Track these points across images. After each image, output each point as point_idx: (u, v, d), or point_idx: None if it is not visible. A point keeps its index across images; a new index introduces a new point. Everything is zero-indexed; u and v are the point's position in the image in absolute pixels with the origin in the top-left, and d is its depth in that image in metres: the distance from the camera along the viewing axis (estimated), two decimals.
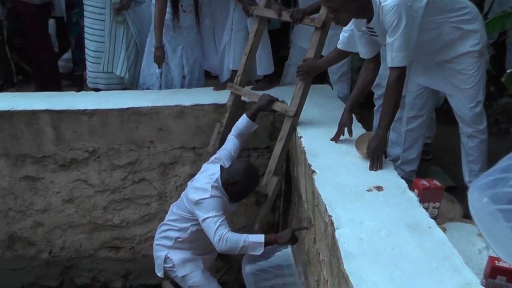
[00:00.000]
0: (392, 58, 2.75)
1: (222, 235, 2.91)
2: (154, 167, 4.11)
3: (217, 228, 2.93)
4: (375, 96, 4.13)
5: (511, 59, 5.31)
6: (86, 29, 4.67)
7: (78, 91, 4.51)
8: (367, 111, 4.33)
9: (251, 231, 3.32)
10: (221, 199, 3.08)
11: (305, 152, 3.03)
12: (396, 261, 1.95)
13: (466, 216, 3.13)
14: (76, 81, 5.64)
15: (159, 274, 3.37)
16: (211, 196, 3.03)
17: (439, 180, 2.98)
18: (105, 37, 4.54)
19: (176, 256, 3.28)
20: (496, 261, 2.19)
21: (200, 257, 3.33)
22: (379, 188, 2.53)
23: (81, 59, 5.03)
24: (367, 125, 3.58)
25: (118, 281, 4.57)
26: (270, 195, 3.34)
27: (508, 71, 3.51)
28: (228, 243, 2.90)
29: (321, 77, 4.51)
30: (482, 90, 3.17)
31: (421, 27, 2.82)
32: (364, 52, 3.10)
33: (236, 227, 4.07)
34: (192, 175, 3.52)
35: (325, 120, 3.48)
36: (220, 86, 4.29)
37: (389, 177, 2.68)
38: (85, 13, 4.64)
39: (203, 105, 3.93)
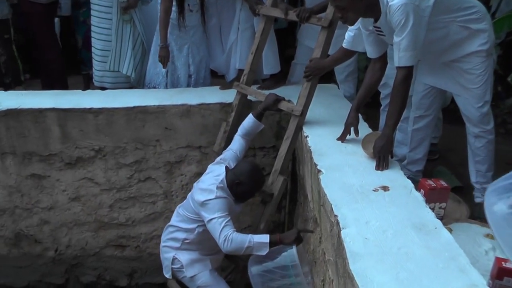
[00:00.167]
0: (399, 57, 2.74)
1: (227, 236, 2.91)
2: (160, 166, 4.11)
3: (222, 229, 2.93)
4: (381, 96, 4.12)
5: None
6: (93, 28, 4.68)
7: (84, 89, 4.52)
8: (373, 110, 4.32)
9: (256, 230, 3.32)
10: (227, 200, 3.08)
11: (311, 152, 3.02)
12: (402, 261, 1.94)
13: (473, 216, 3.13)
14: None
15: (167, 275, 3.37)
16: (216, 197, 3.03)
17: (446, 180, 2.97)
18: (112, 36, 4.56)
19: (184, 256, 3.28)
20: (503, 262, 2.18)
21: (208, 258, 3.33)
22: (385, 188, 2.53)
23: (88, 58, 5.04)
24: (374, 125, 3.57)
25: (123, 279, 4.58)
26: (276, 194, 3.34)
27: None
28: (233, 243, 2.90)
29: (328, 77, 4.50)
30: (489, 90, 3.16)
31: (428, 27, 2.80)
32: (371, 52, 3.09)
33: (242, 227, 4.08)
34: (198, 174, 3.52)
35: (331, 120, 3.47)
36: (226, 85, 4.29)
37: (395, 177, 2.67)
38: (92, 12, 4.66)
39: (209, 104, 3.93)
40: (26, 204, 4.20)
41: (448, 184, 2.92)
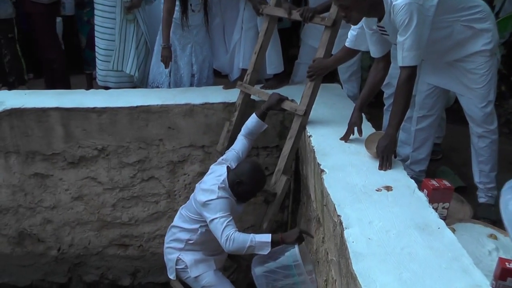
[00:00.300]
0: (403, 57, 2.73)
1: (229, 235, 2.91)
2: (163, 165, 4.11)
3: (224, 229, 2.94)
4: (385, 96, 4.11)
5: None
6: (96, 28, 4.69)
7: (87, 89, 4.53)
8: (376, 110, 4.31)
9: (259, 230, 3.32)
10: (228, 200, 3.08)
11: (314, 151, 3.02)
12: (405, 261, 1.94)
13: (476, 216, 3.12)
14: None
15: (171, 276, 3.37)
16: (218, 197, 3.03)
17: (449, 180, 2.96)
18: (115, 36, 4.56)
19: (188, 257, 3.29)
20: (506, 263, 2.17)
21: (212, 258, 3.34)
22: (388, 188, 2.52)
23: (91, 57, 5.05)
24: (377, 125, 3.57)
25: (126, 278, 4.59)
26: (279, 194, 3.34)
27: None
28: (235, 243, 2.90)
29: (331, 76, 4.50)
30: (493, 89, 3.15)
31: (432, 26, 2.80)
32: (374, 51, 3.08)
33: (245, 226, 4.08)
34: (201, 174, 3.52)
35: (334, 119, 3.47)
36: (229, 85, 4.29)
37: (399, 177, 2.67)
38: (96, 12, 4.66)
39: (212, 103, 3.94)
40: (29, 203, 4.21)
41: (451, 184, 2.91)
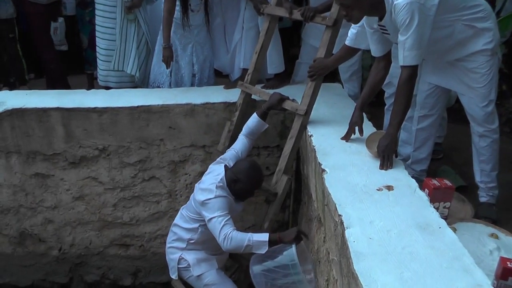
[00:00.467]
0: (404, 56, 2.73)
1: (227, 234, 2.92)
2: (164, 165, 4.11)
3: (222, 228, 2.95)
4: (386, 95, 4.11)
5: None
6: (97, 28, 4.69)
7: (88, 89, 4.53)
8: (378, 109, 4.31)
9: (260, 229, 3.32)
10: (226, 199, 3.09)
11: (315, 151, 3.02)
12: (406, 261, 1.93)
13: (477, 216, 3.12)
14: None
15: (173, 276, 3.37)
16: (216, 196, 3.04)
17: (450, 179, 2.96)
18: (116, 36, 4.56)
19: (190, 256, 3.29)
20: (507, 262, 2.17)
21: (214, 257, 3.34)
22: (389, 188, 2.52)
23: (93, 57, 5.05)
24: (378, 124, 3.57)
25: (127, 278, 4.58)
26: (280, 193, 3.34)
27: None
28: (233, 242, 2.91)
29: (332, 76, 4.50)
30: (494, 89, 3.14)
31: (433, 25, 2.79)
32: (375, 50, 3.08)
33: (246, 226, 4.08)
34: (202, 173, 3.52)
35: (335, 119, 3.47)
36: (230, 85, 4.29)
37: (400, 176, 2.66)
38: (97, 12, 4.67)
39: (213, 103, 3.93)
40: (31, 203, 4.21)
41: (453, 183, 2.91)
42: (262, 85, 4.23)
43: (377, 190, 2.51)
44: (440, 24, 2.90)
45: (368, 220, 2.23)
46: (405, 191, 2.50)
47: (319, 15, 3.49)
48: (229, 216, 3.02)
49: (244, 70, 4.19)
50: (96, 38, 4.75)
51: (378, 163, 2.76)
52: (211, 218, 3.01)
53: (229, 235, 2.92)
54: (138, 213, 4.29)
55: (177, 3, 4.18)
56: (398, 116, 2.83)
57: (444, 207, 2.82)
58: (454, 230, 2.47)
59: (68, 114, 3.88)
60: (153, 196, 4.24)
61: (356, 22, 2.90)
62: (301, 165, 3.72)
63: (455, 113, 4.33)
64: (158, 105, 3.90)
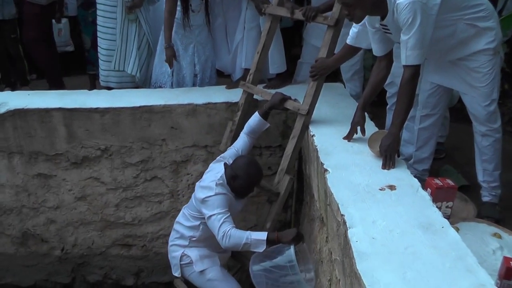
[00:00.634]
0: (406, 56, 2.73)
1: (225, 232, 2.93)
2: (166, 165, 4.11)
3: (221, 225, 2.96)
4: (388, 95, 4.11)
5: None
6: (98, 28, 4.69)
7: (90, 89, 4.53)
8: (379, 109, 4.31)
9: (263, 229, 3.32)
10: (226, 196, 3.09)
11: (317, 151, 3.02)
12: (409, 261, 1.93)
13: (480, 215, 3.12)
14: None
15: (176, 274, 3.38)
16: (216, 194, 3.05)
17: (452, 179, 2.96)
18: (117, 36, 4.56)
19: (193, 252, 3.30)
20: (511, 262, 2.16)
21: (216, 254, 3.35)
22: (391, 187, 2.52)
23: (96, 58, 5.06)
24: (380, 124, 3.56)
25: (130, 278, 4.59)
26: (282, 193, 3.34)
27: None
28: (232, 239, 2.92)
29: (334, 75, 4.49)
30: (496, 88, 3.14)
31: (435, 25, 2.79)
32: (376, 49, 3.08)
33: (248, 226, 4.08)
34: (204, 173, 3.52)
35: (337, 119, 3.47)
36: (232, 85, 4.29)
37: (402, 176, 2.66)
38: (98, 12, 4.67)
39: (215, 103, 3.93)
40: (33, 203, 4.21)
41: (455, 183, 2.91)
42: (264, 85, 4.22)
43: (380, 189, 2.50)
44: (442, 23, 2.89)
45: (371, 220, 2.23)
46: (408, 191, 2.50)
47: (320, 15, 3.48)
48: (229, 214, 3.02)
49: (246, 70, 4.19)
50: (98, 38, 4.75)
51: (380, 162, 2.76)
52: (210, 216, 3.02)
53: (228, 233, 2.93)
54: (140, 213, 4.29)
55: (178, 3, 4.18)
56: (401, 116, 2.82)
57: (447, 207, 2.82)
58: (457, 229, 2.48)
59: (70, 115, 3.88)
60: (155, 196, 4.24)
61: (358, 21, 2.89)
62: (303, 165, 3.71)
63: (457, 112, 4.33)
64: (160, 105, 3.90)
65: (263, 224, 3.38)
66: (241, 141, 3.46)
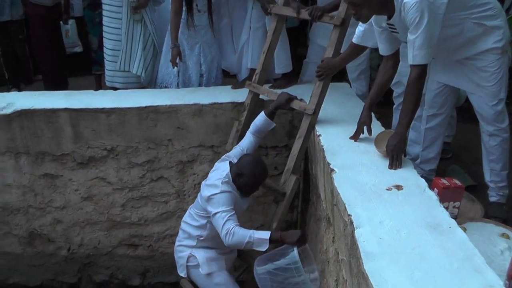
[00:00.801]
0: (413, 55, 2.71)
1: (229, 229, 2.93)
2: (172, 165, 4.12)
3: (225, 223, 2.96)
4: (394, 94, 4.10)
5: None
6: (104, 28, 4.71)
7: (96, 90, 4.54)
8: (386, 109, 4.30)
9: (269, 229, 3.31)
10: (231, 194, 3.09)
11: (324, 151, 3.01)
12: (416, 261, 1.92)
13: (487, 215, 3.10)
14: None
15: (182, 274, 3.38)
16: (221, 192, 3.05)
17: (459, 179, 2.94)
18: (122, 36, 4.56)
19: (200, 254, 3.30)
20: None
21: (223, 257, 3.34)
22: (398, 187, 2.51)
23: (103, 58, 5.08)
24: (386, 123, 3.55)
25: (136, 278, 4.60)
26: (289, 193, 3.33)
27: None
28: (235, 237, 2.92)
29: (340, 75, 4.49)
30: (504, 87, 3.13)
31: (442, 24, 2.78)
32: (383, 49, 3.07)
33: (254, 226, 4.07)
34: None
35: (344, 119, 3.46)
36: (238, 85, 4.29)
37: (409, 176, 2.65)
38: (104, 12, 4.68)
39: (221, 103, 3.93)
40: (40, 203, 4.22)
41: (462, 183, 2.89)
42: (270, 85, 4.23)
43: (387, 189, 2.49)
44: (450, 23, 2.88)
45: (378, 220, 2.22)
46: (415, 191, 2.49)
47: (326, 15, 3.47)
48: (233, 212, 3.02)
49: (252, 70, 4.19)
50: (103, 38, 4.76)
51: (387, 162, 2.75)
52: (215, 213, 3.02)
53: (231, 230, 2.93)
54: (147, 213, 4.30)
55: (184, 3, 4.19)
56: (407, 115, 2.81)
57: (454, 207, 2.81)
58: (464, 230, 2.46)
59: (76, 115, 3.89)
60: (161, 196, 4.24)
61: (365, 21, 2.87)
62: (309, 165, 3.71)
63: (464, 112, 4.31)
64: (166, 105, 3.90)
65: (269, 224, 3.38)
66: (247, 141, 3.45)
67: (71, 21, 5.88)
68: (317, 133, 3.29)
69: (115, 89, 4.67)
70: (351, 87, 4.38)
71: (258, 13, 4.16)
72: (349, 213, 2.30)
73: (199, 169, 4.12)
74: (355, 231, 2.16)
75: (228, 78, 4.92)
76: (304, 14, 3.57)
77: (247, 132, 3.50)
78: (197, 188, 4.13)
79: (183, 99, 3.99)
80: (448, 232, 2.13)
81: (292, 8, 3.66)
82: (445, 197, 2.73)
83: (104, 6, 4.66)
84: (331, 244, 2.83)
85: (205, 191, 3.14)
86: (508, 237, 2.61)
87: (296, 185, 3.38)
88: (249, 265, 3.59)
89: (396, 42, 3.02)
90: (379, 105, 3.48)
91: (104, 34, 4.73)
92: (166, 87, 4.51)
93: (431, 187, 2.63)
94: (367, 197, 2.43)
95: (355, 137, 3.10)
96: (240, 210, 3.20)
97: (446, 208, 2.46)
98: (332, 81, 3.50)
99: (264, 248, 2.90)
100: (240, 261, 3.69)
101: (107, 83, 4.85)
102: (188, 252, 3.32)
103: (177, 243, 3.43)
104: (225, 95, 4.07)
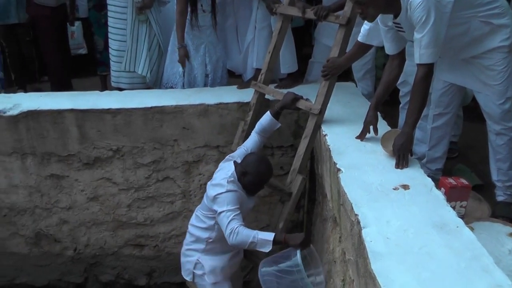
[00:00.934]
0: (420, 54, 2.71)
1: (233, 229, 2.93)
2: (178, 166, 4.12)
3: (229, 222, 2.96)
4: (400, 94, 4.09)
5: None
6: (109, 29, 4.71)
7: (102, 90, 4.54)
8: (392, 108, 4.29)
9: (275, 229, 3.31)
10: (237, 193, 3.09)
11: (330, 150, 3.01)
12: (423, 261, 1.91)
13: (494, 215, 3.09)
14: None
15: (188, 278, 3.38)
16: (227, 191, 3.05)
17: (466, 178, 2.93)
18: (127, 36, 4.56)
19: (207, 262, 3.29)
20: None
21: (228, 264, 3.33)
22: (405, 187, 2.50)
23: (109, 60, 5.08)
24: (392, 123, 3.54)
25: (142, 278, 4.60)
26: (295, 193, 3.33)
27: None
28: (239, 236, 2.92)
29: (345, 75, 4.47)
30: (511, 86, 3.11)
31: (449, 22, 2.77)
32: (389, 48, 3.06)
33: (260, 226, 4.07)
34: None
35: (349, 118, 3.46)
36: (244, 85, 4.29)
37: (415, 175, 2.64)
38: (109, 13, 4.69)
39: (227, 103, 3.93)
40: (46, 204, 4.24)
41: (469, 182, 2.88)
42: (276, 84, 4.22)
43: (393, 189, 2.49)
44: (456, 21, 2.87)
45: (385, 220, 2.22)
46: (421, 190, 2.48)
47: (332, 14, 3.47)
48: (239, 211, 3.02)
49: (257, 70, 4.18)
50: (109, 39, 4.77)
51: (393, 162, 2.74)
52: (220, 212, 3.01)
53: (236, 230, 2.92)
54: (153, 213, 4.30)
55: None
56: (414, 115, 2.80)
57: (461, 206, 2.80)
58: (471, 229, 2.45)
59: (82, 116, 3.90)
60: (167, 196, 4.24)
61: (371, 20, 2.85)
62: (315, 165, 3.70)
63: (470, 111, 4.29)
64: (171, 105, 3.90)
65: (275, 224, 3.38)
66: (251, 140, 3.45)
67: (77, 23, 5.88)
68: (323, 132, 3.28)
69: (120, 89, 4.67)
70: (356, 86, 4.37)
71: (263, 13, 4.16)
72: (356, 212, 2.29)
73: (205, 169, 4.12)
74: (362, 231, 2.15)
75: (234, 78, 4.92)
76: (310, 14, 3.57)
77: (252, 131, 3.50)
78: (203, 188, 4.13)
79: (189, 99, 3.99)
80: (455, 231, 2.12)
81: (297, 8, 3.66)
82: (452, 196, 2.72)
83: (109, 7, 4.67)
84: (338, 244, 2.82)
85: (211, 191, 3.14)
86: None
87: (302, 185, 3.38)
88: (255, 265, 3.59)
89: (402, 41, 3.01)
90: (385, 104, 3.47)
91: (110, 35, 4.73)
92: (171, 87, 4.51)
93: (437, 186, 2.62)
94: (373, 197, 2.42)
95: (361, 136, 3.09)
96: (246, 209, 3.20)
97: (453, 208, 2.45)
98: (338, 80, 3.50)
99: (267, 249, 2.89)
100: (247, 261, 3.68)
101: (113, 84, 4.86)
102: (196, 258, 3.31)
103: (184, 247, 3.42)
104: (231, 95, 4.07)
